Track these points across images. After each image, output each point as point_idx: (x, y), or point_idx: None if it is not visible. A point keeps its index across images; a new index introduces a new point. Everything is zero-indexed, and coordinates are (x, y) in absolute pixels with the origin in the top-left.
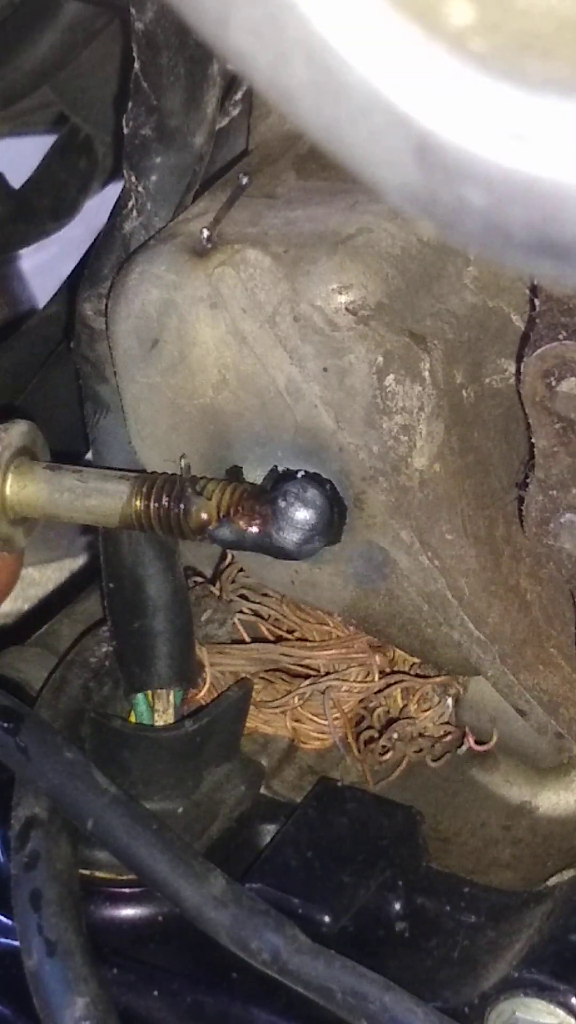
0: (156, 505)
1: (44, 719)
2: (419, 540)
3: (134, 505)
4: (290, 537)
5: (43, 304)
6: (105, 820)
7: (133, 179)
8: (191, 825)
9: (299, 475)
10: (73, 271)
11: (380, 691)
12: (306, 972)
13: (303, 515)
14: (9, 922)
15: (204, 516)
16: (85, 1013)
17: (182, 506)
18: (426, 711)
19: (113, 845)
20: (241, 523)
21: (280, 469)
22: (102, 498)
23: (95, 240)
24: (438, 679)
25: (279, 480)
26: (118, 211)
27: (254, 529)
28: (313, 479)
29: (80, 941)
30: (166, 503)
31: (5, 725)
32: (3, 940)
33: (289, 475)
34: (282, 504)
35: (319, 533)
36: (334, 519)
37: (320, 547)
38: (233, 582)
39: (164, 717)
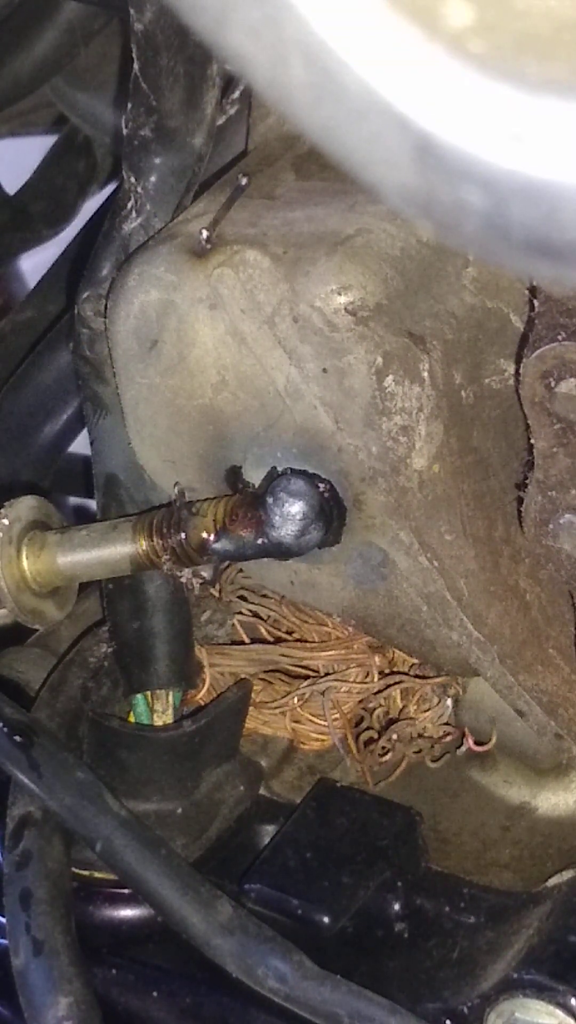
0: (159, 541)
1: (58, 737)
2: (418, 541)
3: (140, 546)
4: (287, 531)
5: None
6: (113, 844)
7: (132, 180)
8: (190, 825)
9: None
10: (47, 273)
11: (379, 692)
12: (312, 998)
13: (294, 507)
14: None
15: (203, 535)
16: (68, 1013)
17: (182, 533)
18: (425, 712)
19: (120, 869)
20: (238, 531)
21: (279, 469)
22: (112, 548)
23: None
24: (437, 680)
25: (269, 481)
26: (117, 212)
27: (251, 534)
28: (299, 472)
29: (67, 941)
30: (166, 533)
31: (18, 739)
32: (3, 941)
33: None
34: (271, 501)
35: (313, 521)
36: (325, 507)
37: (318, 537)
38: (232, 583)
39: (163, 717)
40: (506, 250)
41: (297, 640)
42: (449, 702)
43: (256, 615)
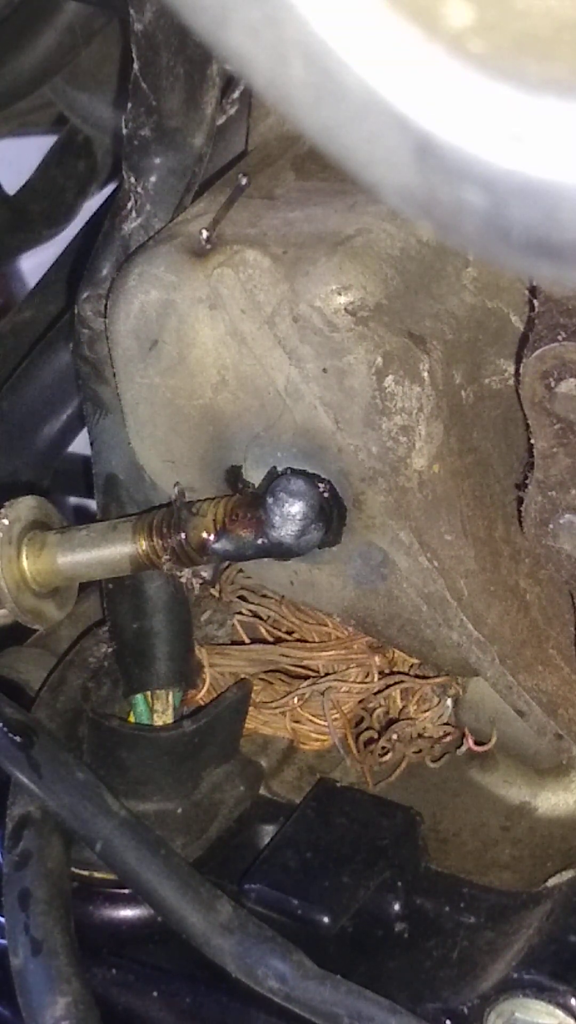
0: (159, 541)
1: (58, 737)
2: (418, 541)
3: (140, 546)
4: (287, 531)
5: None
6: (113, 844)
7: (132, 180)
8: (190, 826)
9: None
10: (47, 273)
11: (379, 692)
12: (312, 998)
13: (294, 507)
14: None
15: (203, 535)
16: (66, 1013)
17: (182, 533)
18: (425, 712)
19: (120, 869)
20: (238, 531)
21: (279, 469)
22: (112, 548)
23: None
24: (437, 680)
25: (269, 481)
26: (117, 212)
27: (251, 534)
28: (299, 472)
29: (66, 941)
30: (166, 533)
31: (18, 739)
32: (2, 941)
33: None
34: (271, 501)
35: (313, 521)
36: (325, 506)
37: (318, 536)
38: (232, 583)
39: (163, 718)
40: (506, 250)
41: (297, 640)
42: (449, 702)
43: (256, 615)
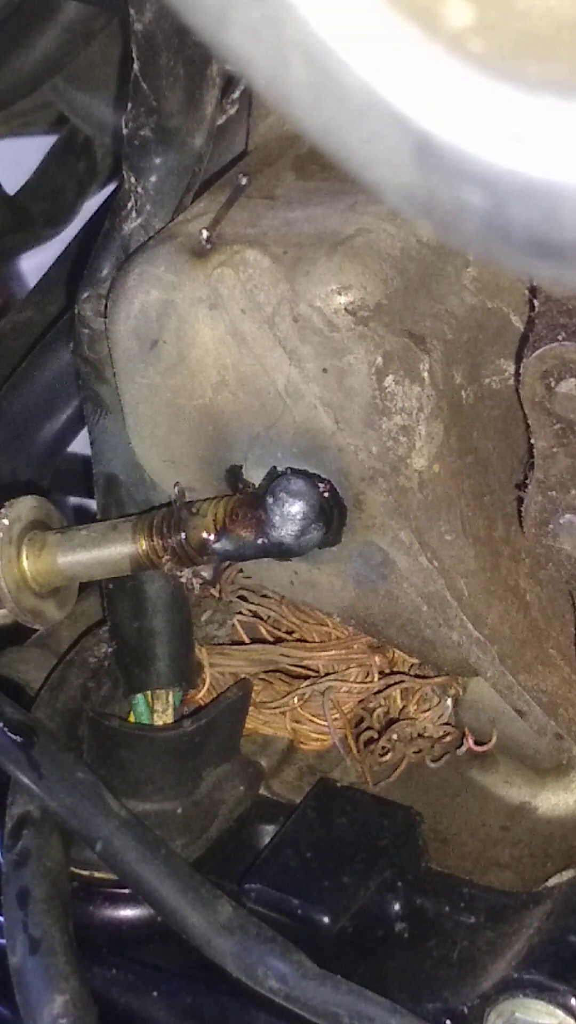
0: (159, 541)
1: (58, 737)
2: (418, 541)
3: (140, 546)
4: (287, 531)
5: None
6: (114, 844)
7: (132, 180)
8: (190, 825)
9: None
10: (46, 273)
11: (379, 692)
12: (312, 998)
13: (294, 507)
14: None
15: (204, 535)
16: (63, 1011)
17: (182, 533)
18: (426, 712)
19: (120, 869)
20: (238, 531)
21: (279, 469)
22: (112, 548)
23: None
24: (437, 680)
25: (269, 481)
26: (117, 212)
27: (251, 534)
28: (299, 472)
29: (64, 939)
30: (166, 534)
31: (18, 739)
32: (2, 940)
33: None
34: (271, 501)
35: (313, 521)
36: (325, 506)
37: (319, 536)
38: (232, 583)
39: (163, 717)
40: (506, 250)
41: (297, 640)
42: (449, 702)
43: (256, 615)
